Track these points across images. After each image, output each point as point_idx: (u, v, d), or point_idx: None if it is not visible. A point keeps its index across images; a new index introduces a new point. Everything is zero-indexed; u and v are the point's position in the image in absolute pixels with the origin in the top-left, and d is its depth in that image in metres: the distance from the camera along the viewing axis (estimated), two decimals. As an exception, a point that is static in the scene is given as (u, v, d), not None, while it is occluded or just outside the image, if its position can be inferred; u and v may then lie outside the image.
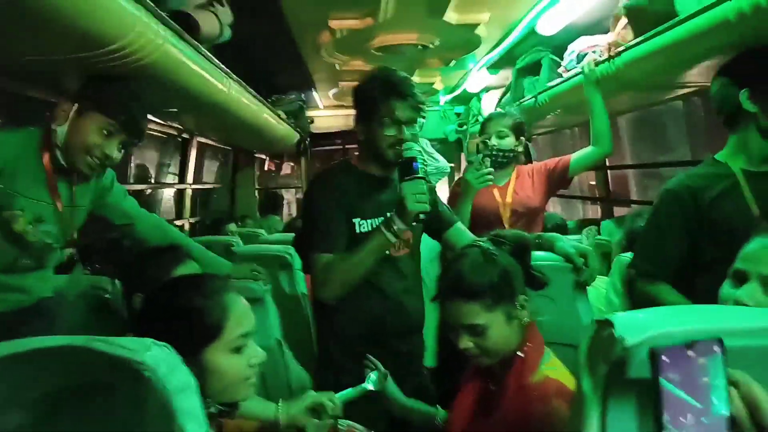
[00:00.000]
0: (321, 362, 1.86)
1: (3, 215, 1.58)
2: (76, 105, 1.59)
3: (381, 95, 1.71)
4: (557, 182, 2.57)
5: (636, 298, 1.75)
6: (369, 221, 1.75)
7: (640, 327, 0.73)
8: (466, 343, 1.29)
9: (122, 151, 1.66)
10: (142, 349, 0.81)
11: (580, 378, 0.84)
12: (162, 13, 1.56)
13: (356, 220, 1.73)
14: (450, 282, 1.33)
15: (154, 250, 1.76)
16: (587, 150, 2.52)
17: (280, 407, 1.37)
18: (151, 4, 1.48)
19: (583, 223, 3.60)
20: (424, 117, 1.78)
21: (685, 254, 1.62)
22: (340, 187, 1.75)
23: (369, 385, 1.56)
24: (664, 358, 0.59)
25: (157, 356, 0.83)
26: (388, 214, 1.69)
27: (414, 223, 1.66)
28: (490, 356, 1.30)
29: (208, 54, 1.98)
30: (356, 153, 1.88)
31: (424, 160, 1.65)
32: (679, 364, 0.60)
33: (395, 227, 1.63)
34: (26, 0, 1.12)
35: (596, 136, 2.47)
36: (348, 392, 1.50)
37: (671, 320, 0.74)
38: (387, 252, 1.73)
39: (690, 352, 0.60)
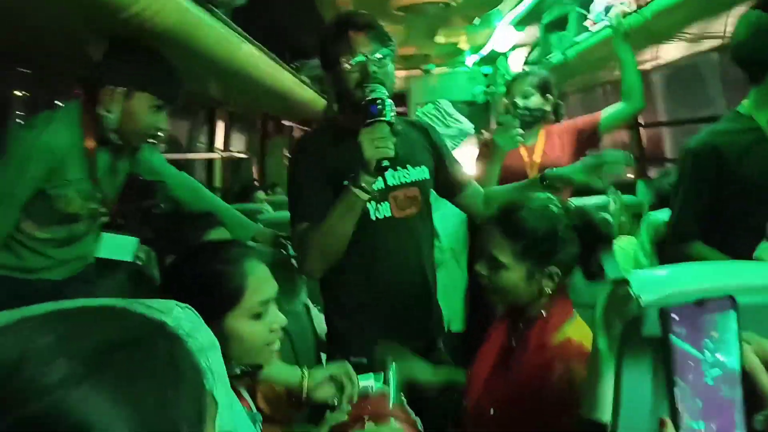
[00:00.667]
0: (330, 340, 1.73)
1: (58, 202, 1.65)
2: (123, 89, 1.60)
3: (337, 31, 1.53)
4: (587, 141, 2.51)
5: (667, 259, 1.72)
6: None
7: (656, 285, 0.71)
8: (482, 269, 1.32)
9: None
10: (166, 310, 0.84)
11: (595, 336, 0.83)
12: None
13: (347, 183, 1.49)
14: (501, 209, 1.34)
15: (189, 215, 1.83)
16: (618, 106, 2.45)
17: (305, 374, 1.39)
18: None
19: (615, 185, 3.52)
20: (392, 50, 1.57)
21: (713, 212, 1.58)
22: (320, 149, 1.58)
23: (376, 382, 1.42)
24: (674, 315, 0.58)
25: (178, 316, 0.86)
26: (391, 172, 1.56)
27: (379, 173, 1.46)
28: (497, 295, 1.32)
29: (225, 18, 1.97)
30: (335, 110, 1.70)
31: (388, 102, 1.46)
32: (689, 322, 0.58)
33: (361, 182, 1.43)
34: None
35: (627, 91, 2.39)
36: (369, 379, 1.41)
37: (688, 278, 0.73)
38: (379, 215, 1.57)
39: (700, 309, 0.58)
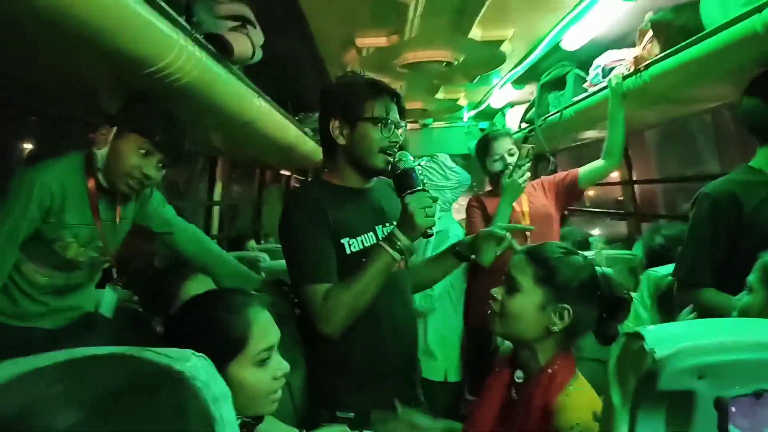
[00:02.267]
0: (316, 397, 1.65)
1: (56, 246, 1.65)
2: (115, 128, 1.63)
3: (371, 93, 1.56)
4: (567, 193, 2.66)
5: (677, 307, 1.73)
6: (359, 239, 1.58)
7: (670, 339, 0.73)
8: (497, 293, 1.36)
9: (163, 169, 1.70)
10: (182, 359, 0.85)
11: (609, 390, 0.85)
12: (198, 36, 1.61)
13: (345, 240, 1.54)
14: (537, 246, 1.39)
15: (162, 270, 1.82)
16: (597, 163, 2.59)
17: None
18: (188, 27, 1.53)
19: (610, 240, 3.57)
20: (405, 126, 1.64)
21: (726, 260, 1.60)
22: (321, 205, 1.54)
23: None
24: (732, 408, 0.59)
25: (196, 366, 0.87)
26: (380, 228, 1.61)
27: (422, 238, 1.51)
28: (502, 324, 1.34)
29: (241, 75, 2.04)
30: (324, 168, 1.69)
31: (420, 170, 1.57)
32: (749, 413, 0.60)
33: (399, 244, 1.47)
34: (71, 25, 1.17)
35: (610, 149, 2.53)
36: None
37: (702, 333, 0.75)
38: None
39: (758, 401, 0.60)
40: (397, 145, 1.57)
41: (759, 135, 1.63)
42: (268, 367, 1.11)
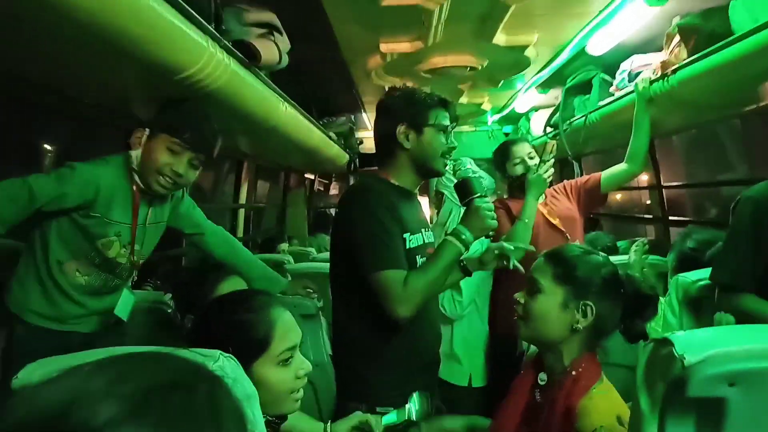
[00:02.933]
0: (347, 392, 1.74)
1: (99, 243, 1.69)
2: (147, 130, 1.68)
3: (433, 103, 1.72)
4: (590, 197, 2.66)
5: (717, 311, 1.69)
6: (416, 236, 1.71)
7: (700, 346, 0.73)
8: (520, 297, 1.39)
9: (196, 169, 1.74)
10: (211, 358, 0.87)
11: (637, 396, 0.84)
12: (227, 43, 1.65)
13: (406, 235, 1.67)
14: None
15: (200, 269, 1.85)
16: (620, 167, 2.59)
17: (329, 427, 1.39)
18: (218, 35, 1.57)
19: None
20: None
21: (765, 264, 1.56)
22: (389, 200, 1.67)
23: (413, 415, 1.50)
24: None
25: (224, 366, 0.89)
26: (424, 231, 1.76)
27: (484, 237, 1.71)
28: (527, 326, 1.36)
29: (267, 80, 2.07)
30: (385, 167, 1.78)
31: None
32: None
33: (464, 237, 1.62)
34: (105, 32, 1.21)
35: (633, 154, 2.53)
36: (392, 416, 1.48)
37: (732, 339, 0.74)
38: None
39: None
40: (453, 151, 1.76)
41: None
42: (290, 366, 1.14)
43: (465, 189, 1.70)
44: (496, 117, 5.40)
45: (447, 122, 1.73)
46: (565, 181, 2.79)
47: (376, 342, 1.68)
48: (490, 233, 1.68)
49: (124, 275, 1.83)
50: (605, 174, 2.62)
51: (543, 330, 1.34)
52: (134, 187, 1.71)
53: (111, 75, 1.58)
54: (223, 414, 0.52)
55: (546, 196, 2.63)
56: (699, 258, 2.11)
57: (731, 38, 1.75)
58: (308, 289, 2.14)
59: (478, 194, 1.67)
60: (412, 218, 1.72)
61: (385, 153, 1.77)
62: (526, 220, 2.35)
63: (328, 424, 1.40)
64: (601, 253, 1.40)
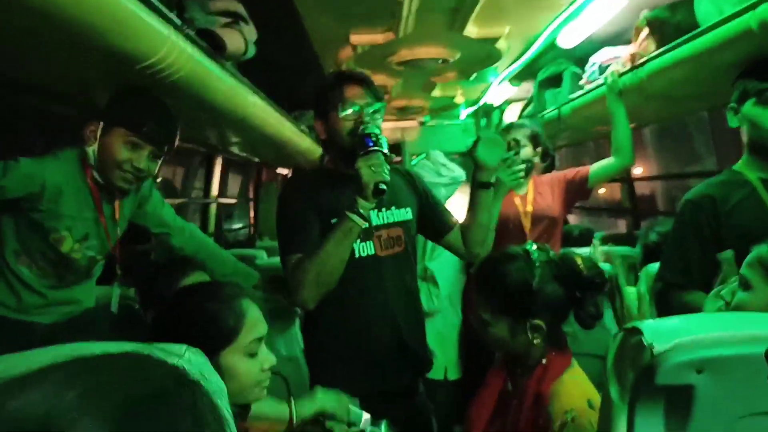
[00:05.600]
0: (311, 379, 1.73)
1: (51, 239, 1.64)
2: (101, 123, 1.62)
3: (335, 83, 1.65)
4: (576, 192, 2.59)
5: (671, 310, 1.73)
6: None
7: (668, 334, 0.73)
8: (475, 325, 1.38)
9: (158, 158, 1.69)
10: (178, 354, 0.83)
11: (607, 385, 0.84)
12: (190, 32, 1.60)
13: (335, 220, 1.56)
14: (477, 268, 1.42)
15: (164, 264, 1.82)
16: (607, 161, 2.52)
17: (293, 408, 1.37)
18: (180, 23, 1.52)
19: (609, 237, 3.57)
20: (384, 105, 1.68)
21: (710, 261, 1.61)
22: (310, 187, 1.66)
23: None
24: None
25: (190, 360, 0.86)
26: (375, 212, 1.65)
27: (375, 197, 1.53)
28: (492, 347, 1.38)
29: (234, 70, 2.03)
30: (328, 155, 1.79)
31: (382, 137, 1.57)
32: None
33: (358, 207, 1.50)
34: (63, 21, 1.16)
35: (617, 147, 2.47)
36: (358, 414, 1.44)
37: (699, 328, 0.74)
38: (372, 250, 1.64)
39: None
40: (367, 125, 1.57)
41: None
42: (257, 358, 1.14)
43: (357, 148, 1.55)
44: (470, 110, 5.41)
45: (344, 98, 1.61)
46: (552, 174, 2.72)
47: (323, 333, 1.68)
48: (380, 188, 1.50)
49: (82, 270, 1.78)
50: (593, 168, 2.55)
51: (505, 350, 1.37)
52: (90, 182, 1.66)
53: (68, 63, 1.52)
54: (201, 417, 0.49)
55: (534, 188, 2.56)
56: (663, 249, 2.15)
57: (697, 31, 1.77)
58: (280, 284, 2.12)
59: (366, 150, 1.51)
60: (347, 204, 1.55)
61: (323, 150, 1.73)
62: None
63: (292, 401, 1.37)
64: (531, 253, 1.34)
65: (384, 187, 1.51)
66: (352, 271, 1.58)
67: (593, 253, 2.78)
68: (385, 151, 1.53)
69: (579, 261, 1.31)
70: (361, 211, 1.50)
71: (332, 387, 1.56)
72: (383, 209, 1.69)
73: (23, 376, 0.44)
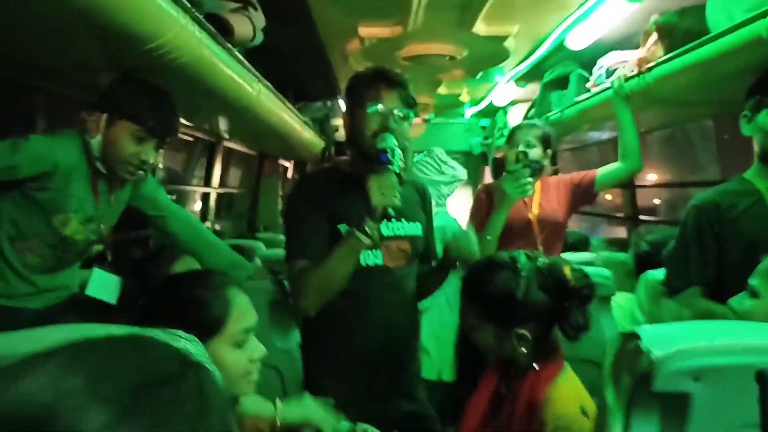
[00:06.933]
0: (306, 385, 1.69)
1: (55, 220, 1.63)
2: (105, 115, 1.60)
3: (370, 81, 1.58)
4: (582, 197, 2.55)
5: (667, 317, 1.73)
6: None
7: (666, 340, 0.72)
8: (465, 328, 1.39)
9: (160, 152, 1.68)
10: (178, 337, 0.82)
11: (604, 390, 0.83)
12: (198, 16, 1.59)
13: (342, 227, 1.55)
14: (466, 272, 1.41)
15: (152, 251, 1.80)
16: (615, 165, 2.49)
17: (278, 409, 1.35)
18: (188, 6, 1.51)
19: (609, 242, 3.57)
20: (414, 113, 1.62)
21: (715, 268, 1.63)
22: (320, 191, 1.62)
23: None
24: None
25: (191, 344, 0.85)
26: (385, 222, 1.59)
27: (384, 220, 1.51)
28: (482, 351, 1.37)
29: (240, 57, 2.01)
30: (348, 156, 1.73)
31: (398, 153, 1.51)
32: None
33: (365, 226, 1.46)
34: (69, 1, 1.15)
35: (625, 151, 2.44)
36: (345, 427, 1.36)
37: (698, 334, 0.74)
38: (377, 264, 1.60)
39: None
40: (386, 135, 1.52)
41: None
42: (245, 349, 1.12)
43: (373, 158, 1.50)
44: (474, 110, 5.40)
45: (377, 100, 1.54)
46: (559, 177, 2.68)
47: (319, 333, 1.65)
48: (389, 211, 1.47)
49: (78, 253, 1.77)
50: (600, 172, 2.51)
51: (494, 355, 1.37)
52: (92, 170, 1.65)
53: (73, 44, 1.50)
54: (206, 399, 0.48)
55: (541, 191, 2.52)
56: (654, 258, 2.17)
57: (707, 37, 1.76)
58: (277, 276, 2.11)
59: (379, 169, 1.46)
60: (359, 210, 1.51)
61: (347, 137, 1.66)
62: (489, 237, 2.19)
63: (278, 402, 1.34)
64: (519, 261, 1.32)
65: (392, 212, 1.49)
66: (360, 278, 1.56)
67: (596, 259, 2.76)
68: (399, 170, 1.48)
69: (567, 271, 1.28)
70: (368, 230, 1.47)
71: (325, 383, 1.58)
72: (394, 220, 1.64)
73: (27, 359, 0.43)
